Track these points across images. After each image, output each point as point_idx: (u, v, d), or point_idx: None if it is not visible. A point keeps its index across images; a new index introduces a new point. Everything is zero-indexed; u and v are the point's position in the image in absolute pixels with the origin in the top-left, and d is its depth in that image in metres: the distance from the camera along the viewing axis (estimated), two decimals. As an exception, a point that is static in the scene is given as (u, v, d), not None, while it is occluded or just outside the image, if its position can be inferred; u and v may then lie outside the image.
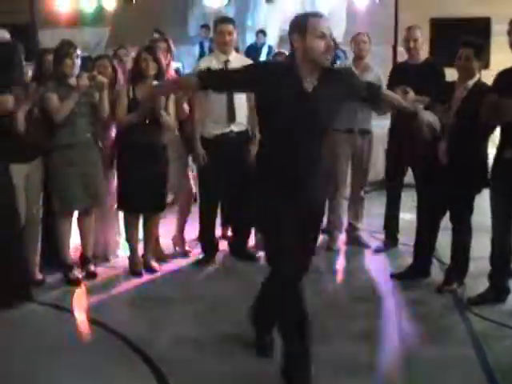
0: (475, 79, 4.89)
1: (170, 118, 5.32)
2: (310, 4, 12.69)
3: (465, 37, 4.96)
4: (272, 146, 3.51)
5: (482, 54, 4.90)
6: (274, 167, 3.50)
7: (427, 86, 5.36)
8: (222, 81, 3.58)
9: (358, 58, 6.15)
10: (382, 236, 6.26)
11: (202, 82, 3.53)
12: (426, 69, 5.81)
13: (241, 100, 5.50)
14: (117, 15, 12.26)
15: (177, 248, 6.09)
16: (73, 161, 5.13)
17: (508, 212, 4.72)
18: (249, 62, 5.76)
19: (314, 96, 3.42)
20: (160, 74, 5.28)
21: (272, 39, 12.51)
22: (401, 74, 5.81)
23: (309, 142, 3.47)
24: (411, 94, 5.50)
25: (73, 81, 5.13)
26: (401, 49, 6.34)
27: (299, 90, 3.40)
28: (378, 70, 6.15)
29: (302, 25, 3.39)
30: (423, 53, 6.14)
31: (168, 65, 5.71)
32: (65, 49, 5.10)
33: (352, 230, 6.35)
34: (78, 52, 5.14)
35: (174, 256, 5.97)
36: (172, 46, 5.80)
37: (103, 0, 12.49)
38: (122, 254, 5.86)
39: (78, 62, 5.14)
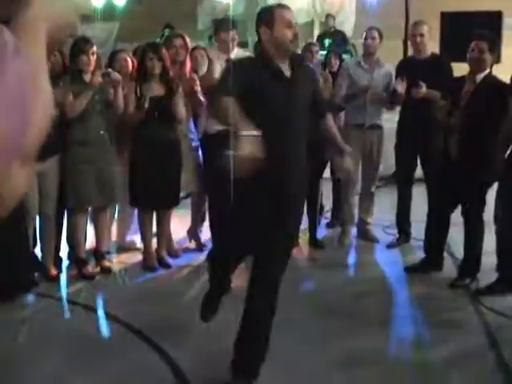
0: (485, 72, 4.90)
1: (182, 110, 5.34)
2: (319, -1, 12.66)
3: (479, 30, 4.97)
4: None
5: (496, 47, 4.90)
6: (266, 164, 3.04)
7: (433, 80, 5.42)
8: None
9: (368, 53, 6.15)
10: (395, 231, 6.28)
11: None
12: (432, 64, 5.83)
13: None
14: (126, 10, 12.26)
15: (192, 241, 6.12)
16: (87, 158, 5.16)
17: None
18: None
19: (294, 81, 3.45)
20: (164, 72, 5.30)
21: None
22: (407, 69, 5.85)
23: (296, 129, 3.44)
24: (423, 89, 5.57)
25: (88, 77, 5.16)
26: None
27: (281, 76, 3.42)
28: (389, 67, 6.17)
29: (269, 16, 3.45)
30: (434, 47, 6.15)
31: (184, 62, 5.72)
32: (81, 45, 5.13)
33: (362, 225, 6.37)
34: (94, 48, 5.17)
35: (187, 250, 6.01)
36: (188, 42, 5.81)
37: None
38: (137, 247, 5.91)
39: (94, 58, 5.17)
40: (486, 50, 4.84)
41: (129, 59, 5.71)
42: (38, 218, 5.13)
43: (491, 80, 4.93)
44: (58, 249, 5.43)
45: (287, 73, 3.45)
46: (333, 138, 3.76)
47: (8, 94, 0.91)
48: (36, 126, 0.99)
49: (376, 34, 6.11)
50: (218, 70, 5.47)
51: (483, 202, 4.98)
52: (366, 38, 6.15)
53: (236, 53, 5.68)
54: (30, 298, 4.89)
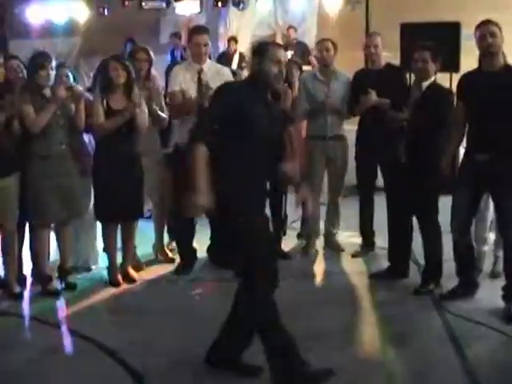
0: (430, 81, 5.07)
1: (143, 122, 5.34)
2: (281, 10, 12.74)
3: (420, 41, 5.16)
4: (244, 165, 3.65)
5: (438, 56, 5.05)
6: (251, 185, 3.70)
7: (388, 90, 5.53)
8: (214, 131, 3.63)
9: (323, 65, 6.19)
10: (359, 240, 6.32)
11: (208, 145, 3.56)
12: (386, 73, 5.91)
13: None
14: (88, 25, 12.20)
15: (158, 255, 6.09)
16: (48, 172, 5.10)
17: (466, 209, 4.84)
18: (223, 69, 5.81)
19: (272, 110, 3.83)
20: (129, 81, 5.29)
21: (243, 46, 12.54)
22: (362, 80, 5.94)
23: (270, 156, 3.77)
24: (373, 96, 5.68)
25: (47, 92, 5.12)
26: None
27: (266, 103, 3.77)
28: (346, 77, 6.20)
29: (261, 50, 3.77)
30: (395, 58, 6.23)
31: (148, 76, 5.72)
32: (39, 60, 5.10)
33: (329, 235, 6.40)
34: (53, 63, 5.13)
35: (151, 264, 5.98)
36: (152, 55, 5.81)
37: (74, 11, 12.44)
38: (100, 263, 5.85)
39: (53, 73, 5.13)
40: (429, 60, 5.00)
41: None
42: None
43: (436, 88, 5.10)
44: (20, 265, 5.36)
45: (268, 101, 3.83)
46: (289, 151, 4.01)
47: None
48: None
49: (330, 45, 6.12)
50: (187, 81, 5.48)
51: (436, 208, 5.08)
52: (319, 50, 6.17)
53: (208, 64, 5.66)
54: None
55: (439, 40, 5.30)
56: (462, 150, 5.21)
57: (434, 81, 5.12)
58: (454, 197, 4.90)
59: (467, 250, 4.96)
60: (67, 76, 5.51)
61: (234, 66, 11.42)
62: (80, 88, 5.26)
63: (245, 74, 11.07)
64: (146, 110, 5.39)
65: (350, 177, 6.37)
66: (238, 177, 3.64)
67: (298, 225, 6.84)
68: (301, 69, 6.83)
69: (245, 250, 3.62)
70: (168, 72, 7.06)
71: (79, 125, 5.24)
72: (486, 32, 4.56)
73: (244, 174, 3.65)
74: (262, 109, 3.70)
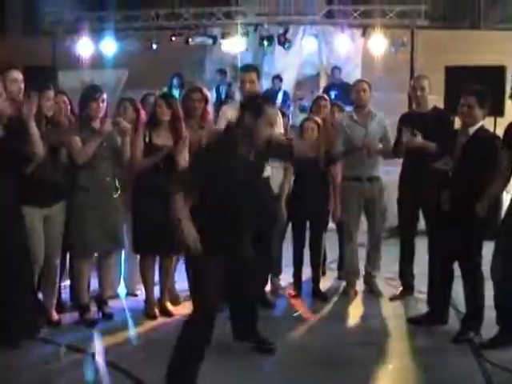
0: (477, 126, 4.99)
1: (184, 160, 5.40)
2: (326, 51, 12.84)
3: (468, 86, 5.10)
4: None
5: (485, 102, 5.00)
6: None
7: (433, 133, 5.48)
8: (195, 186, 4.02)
9: (359, 106, 6.19)
10: (398, 283, 6.25)
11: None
12: (433, 117, 5.87)
13: None
14: (136, 58, 12.45)
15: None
16: (93, 204, 5.20)
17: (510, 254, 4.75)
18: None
19: (255, 164, 4.13)
20: (175, 119, 5.38)
21: (288, 84, 12.65)
22: (408, 123, 5.87)
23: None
24: (419, 138, 5.64)
25: (97, 124, 5.23)
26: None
27: (245, 161, 4.01)
28: (382, 116, 6.20)
29: (259, 109, 3.91)
30: (439, 101, 6.21)
31: (204, 113, 5.80)
32: (90, 92, 5.23)
33: (368, 277, 6.34)
34: (104, 96, 5.25)
35: (189, 298, 5.98)
36: (207, 94, 5.89)
37: (123, 43, 12.73)
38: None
39: (104, 105, 5.25)
40: (475, 105, 4.94)
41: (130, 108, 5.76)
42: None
43: (483, 133, 5.04)
44: (59, 293, 5.42)
45: (251, 157, 4.06)
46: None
47: None
48: None
49: (366, 86, 6.15)
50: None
51: (479, 256, 4.99)
52: (356, 92, 6.18)
53: None
54: (33, 343, 4.84)
55: (484, 83, 5.27)
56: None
57: (482, 126, 5.05)
58: (497, 243, 4.83)
59: (508, 298, 4.86)
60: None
61: (279, 103, 11.50)
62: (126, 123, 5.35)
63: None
64: (186, 150, 5.45)
65: (392, 219, 6.33)
66: (200, 217, 3.94)
67: (335, 265, 6.82)
68: (342, 110, 6.86)
69: (190, 285, 4.25)
70: (216, 109, 7.17)
71: (123, 158, 5.33)
72: None
73: (206, 214, 3.97)
74: (240, 162, 3.94)
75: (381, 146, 6.13)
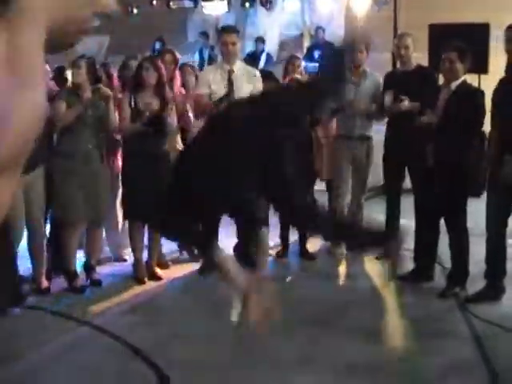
0: (459, 81, 5.02)
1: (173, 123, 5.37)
2: (309, 11, 12.74)
3: (448, 42, 5.14)
4: None
5: (466, 57, 5.03)
6: None
7: (418, 91, 5.50)
8: None
9: (355, 66, 6.18)
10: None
11: None
12: (418, 75, 5.88)
13: None
14: (117, 24, 12.28)
15: (184, 252, 6.11)
16: (74, 171, 5.17)
17: (502, 212, 4.81)
18: (253, 71, 5.80)
19: None
20: (160, 83, 5.34)
21: (271, 45, 12.56)
22: (393, 82, 5.91)
23: None
24: (405, 102, 5.65)
25: (81, 92, 5.18)
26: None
27: None
28: (377, 76, 6.20)
29: None
30: (423, 59, 6.19)
31: (174, 77, 5.76)
32: (75, 61, 5.20)
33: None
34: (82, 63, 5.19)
35: (178, 262, 6.01)
36: (178, 57, 5.85)
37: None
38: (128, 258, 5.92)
39: (83, 71, 5.19)
40: (457, 60, 4.98)
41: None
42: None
43: (465, 87, 5.08)
44: (48, 260, 5.42)
45: None
46: None
47: None
48: (18, 135, 0.90)
49: (362, 47, 6.14)
50: (217, 82, 5.47)
51: (464, 212, 5.04)
52: (352, 51, 6.16)
53: (238, 65, 5.64)
54: (19, 311, 4.85)
55: (468, 41, 5.27)
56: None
57: (464, 81, 5.09)
58: (489, 198, 4.87)
59: (499, 253, 4.92)
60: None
61: (261, 66, 11.43)
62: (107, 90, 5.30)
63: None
64: (174, 113, 5.42)
65: (378, 178, 6.35)
66: None
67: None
68: None
69: None
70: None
71: (109, 125, 5.29)
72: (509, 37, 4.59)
73: None
74: None
75: (374, 105, 6.12)
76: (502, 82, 4.95)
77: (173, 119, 5.40)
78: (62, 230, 5.34)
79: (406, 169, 6.00)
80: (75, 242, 5.39)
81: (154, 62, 5.40)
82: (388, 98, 5.73)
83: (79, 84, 5.18)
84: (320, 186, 6.42)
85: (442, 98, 5.10)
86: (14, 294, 4.87)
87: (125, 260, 5.97)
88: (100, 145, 5.33)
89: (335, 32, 12.10)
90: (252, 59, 11.26)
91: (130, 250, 5.74)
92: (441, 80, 5.52)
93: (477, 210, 5.02)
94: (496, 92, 4.93)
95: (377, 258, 6.12)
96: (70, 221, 5.30)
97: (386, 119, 6.16)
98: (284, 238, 6.25)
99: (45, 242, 5.26)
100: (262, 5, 12.38)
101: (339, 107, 6.08)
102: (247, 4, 12.34)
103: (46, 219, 5.35)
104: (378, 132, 6.34)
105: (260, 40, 12.09)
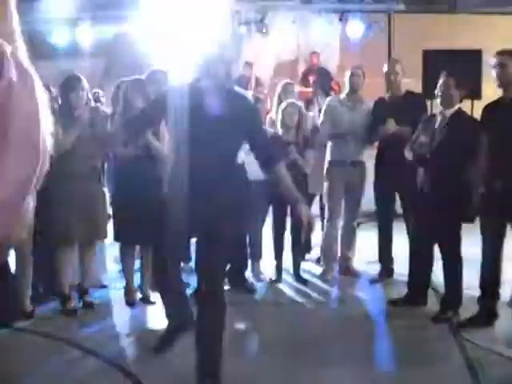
0: (455, 108, 5.04)
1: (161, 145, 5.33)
2: (303, 36, 12.80)
3: (444, 68, 5.17)
4: None
5: (462, 83, 5.06)
6: None
7: (407, 117, 5.55)
8: None
9: (352, 90, 6.25)
10: (378, 266, 6.28)
11: None
12: (407, 101, 5.92)
13: None
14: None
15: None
16: (72, 192, 5.15)
17: (497, 237, 4.81)
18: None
19: None
20: None
21: (266, 71, 12.59)
22: (381, 108, 5.96)
23: None
24: (391, 125, 5.72)
25: (78, 113, 5.19)
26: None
27: None
28: (370, 104, 6.25)
29: None
30: (417, 85, 6.25)
31: None
32: (72, 82, 5.19)
33: (344, 260, 6.37)
34: (85, 85, 5.22)
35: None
36: None
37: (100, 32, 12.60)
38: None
39: (84, 94, 5.22)
40: (453, 87, 4.99)
41: None
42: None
43: (461, 115, 5.09)
44: (35, 283, 5.36)
45: None
46: (285, 184, 3.73)
47: (19, 134, 0.89)
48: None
49: (361, 72, 6.23)
50: None
51: (458, 238, 5.03)
52: (352, 75, 6.23)
53: None
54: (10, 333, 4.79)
55: (461, 67, 5.32)
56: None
57: (459, 108, 5.11)
58: (482, 223, 4.88)
59: (493, 279, 4.90)
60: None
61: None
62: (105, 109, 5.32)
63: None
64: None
65: (370, 204, 6.36)
66: None
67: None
68: (327, 95, 6.94)
69: None
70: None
71: (108, 145, 5.29)
72: (497, 63, 4.65)
73: None
74: None
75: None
76: (486, 108, 4.98)
77: (165, 145, 5.37)
78: (55, 252, 5.30)
79: (397, 194, 6.02)
80: (68, 263, 5.35)
81: (140, 86, 5.36)
82: (390, 126, 5.78)
83: (75, 106, 5.17)
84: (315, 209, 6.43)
85: (437, 124, 5.11)
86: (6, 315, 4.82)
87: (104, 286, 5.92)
88: (98, 164, 5.32)
89: (330, 57, 12.18)
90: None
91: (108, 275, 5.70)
92: (434, 106, 5.56)
93: (471, 234, 5.02)
94: (484, 116, 4.94)
95: (371, 282, 6.11)
96: (64, 242, 5.27)
97: (377, 144, 6.20)
98: (277, 261, 6.22)
99: (31, 265, 5.16)
100: (257, 30, 12.42)
101: (336, 134, 6.13)
102: (242, 27, 12.36)
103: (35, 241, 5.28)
104: (372, 157, 6.36)
105: (247, 64, 12.01)
